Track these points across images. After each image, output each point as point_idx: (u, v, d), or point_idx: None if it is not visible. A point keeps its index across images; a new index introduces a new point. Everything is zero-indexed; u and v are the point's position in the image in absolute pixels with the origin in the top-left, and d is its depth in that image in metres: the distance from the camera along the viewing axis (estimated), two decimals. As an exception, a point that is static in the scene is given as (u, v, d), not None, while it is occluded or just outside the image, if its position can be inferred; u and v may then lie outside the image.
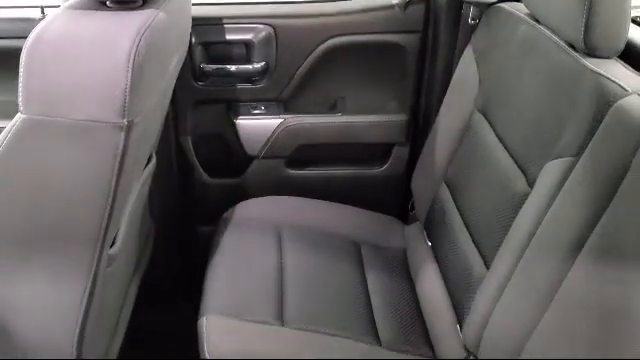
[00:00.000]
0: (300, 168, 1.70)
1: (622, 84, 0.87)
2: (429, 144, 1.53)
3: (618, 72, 0.92)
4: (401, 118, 1.64)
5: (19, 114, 0.84)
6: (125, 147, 0.86)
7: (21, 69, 0.83)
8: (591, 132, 0.87)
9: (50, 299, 0.96)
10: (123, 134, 0.85)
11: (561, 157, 0.93)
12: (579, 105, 0.92)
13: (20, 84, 0.83)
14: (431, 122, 1.55)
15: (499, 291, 1.00)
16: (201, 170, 1.67)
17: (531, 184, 1.02)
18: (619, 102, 0.83)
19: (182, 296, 1.69)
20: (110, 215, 0.91)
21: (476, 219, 1.23)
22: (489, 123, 1.27)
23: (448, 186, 1.40)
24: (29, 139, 0.84)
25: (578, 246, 0.82)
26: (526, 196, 1.02)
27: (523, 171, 1.08)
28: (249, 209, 1.57)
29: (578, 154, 0.89)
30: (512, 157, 1.13)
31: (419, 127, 1.65)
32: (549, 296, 0.85)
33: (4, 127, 0.86)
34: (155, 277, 1.63)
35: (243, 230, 1.48)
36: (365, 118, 1.64)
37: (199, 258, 1.48)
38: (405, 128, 1.65)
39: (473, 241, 1.21)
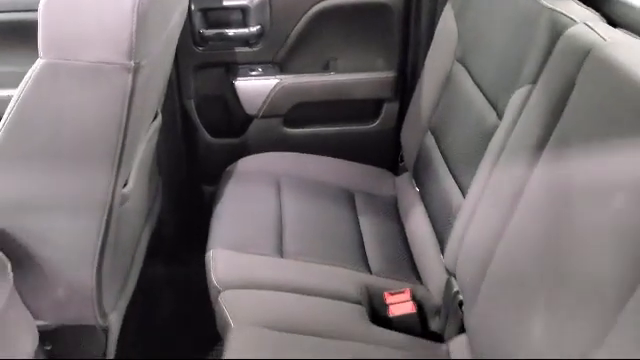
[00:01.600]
0: (297, 126, 1.81)
1: (572, 16, 0.97)
2: (415, 97, 1.63)
3: (570, 8, 1.03)
4: (389, 75, 1.75)
5: (39, 59, 0.95)
6: (133, 87, 0.97)
7: (39, 20, 0.94)
8: (545, 60, 0.98)
9: (71, 229, 1.08)
10: (131, 75, 0.96)
11: (523, 86, 1.04)
12: (537, 39, 1.03)
13: (39, 33, 0.94)
14: (418, 78, 1.65)
15: (472, 212, 1.12)
16: (204, 131, 1.79)
17: (500, 116, 1.13)
18: (568, 30, 0.94)
19: (189, 250, 1.80)
20: (122, 151, 1.03)
21: (455, 157, 1.34)
22: (467, 71, 1.38)
23: (432, 133, 1.51)
24: (48, 81, 0.96)
25: (537, 154, 0.92)
26: (496, 127, 1.13)
27: (494, 107, 1.18)
28: (250, 164, 1.68)
29: (535, 81, 1.00)
30: (485, 97, 1.24)
31: (407, 83, 1.75)
32: (513, 205, 0.96)
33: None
34: (164, 232, 1.76)
35: (245, 181, 1.60)
36: (356, 76, 1.75)
37: (204, 215, 1.59)
38: (393, 84, 1.75)
39: (453, 177, 1.33)
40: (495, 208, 1.02)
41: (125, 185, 1.19)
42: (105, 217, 1.08)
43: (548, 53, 0.97)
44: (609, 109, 0.80)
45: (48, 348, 1.22)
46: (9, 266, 1.03)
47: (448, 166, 1.37)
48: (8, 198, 1.05)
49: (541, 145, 0.92)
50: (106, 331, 1.22)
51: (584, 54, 0.87)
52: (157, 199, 1.66)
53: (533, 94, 0.99)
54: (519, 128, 1.00)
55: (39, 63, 0.95)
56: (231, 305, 1.16)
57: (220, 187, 1.58)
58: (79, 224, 1.07)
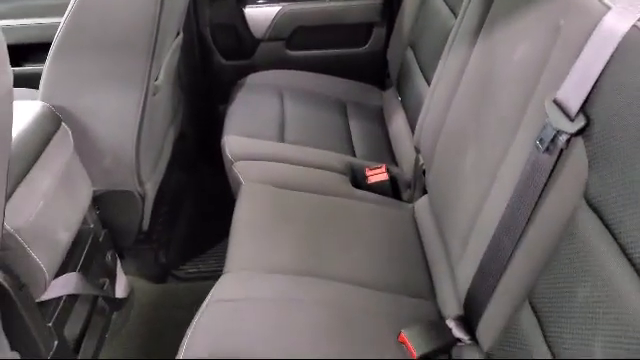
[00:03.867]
0: (298, 49, 2.09)
1: None
2: (399, 19, 1.91)
3: None
4: (377, 1, 2.02)
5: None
6: None
7: None
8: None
9: (116, 106, 1.37)
10: None
11: (470, -11, 1.32)
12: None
13: None
14: (402, 3, 1.92)
15: (432, 94, 1.40)
16: (218, 54, 2.07)
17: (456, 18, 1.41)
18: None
19: (206, 161, 2.10)
20: (155, 45, 1.32)
21: (426, 62, 1.62)
22: (438, -10, 1.65)
23: (411, 48, 1.79)
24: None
25: (475, 37, 1.20)
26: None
27: (454, 13, 1.46)
28: (257, 78, 1.98)
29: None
30: (448, 6, 1.51)
31: (393, 8, 2.02)
32: (458, 79, 1.24)
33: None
34: (184, 143, 2.06)
35: (252, 91, 1.90)
36: (348, 3, 2.02)
37: (219, 130, 1.88)
38: (381, 9, 2.02)
39: (425, 79, 1.61)
40: (447, 86, 1.30)
41: (156, 79, 1.49)
42: (142, 98, 1.37)
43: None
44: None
45: (97, 212, 1.54)
46: (70, 133, 1.33)
47: (422, 72, 1.65)
48: (68, 81, 1.34)
49: (478, 30, 1.20)
50: (143, 197, 1.53)
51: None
52: (179, 109, 1.96)
53: (475, -7, 1.26)
54: (465, 21, 1.28)
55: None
56: (242, 170, 1.47)
57: (232, 95, 1.88)
58: (123, 102, 1.37)
